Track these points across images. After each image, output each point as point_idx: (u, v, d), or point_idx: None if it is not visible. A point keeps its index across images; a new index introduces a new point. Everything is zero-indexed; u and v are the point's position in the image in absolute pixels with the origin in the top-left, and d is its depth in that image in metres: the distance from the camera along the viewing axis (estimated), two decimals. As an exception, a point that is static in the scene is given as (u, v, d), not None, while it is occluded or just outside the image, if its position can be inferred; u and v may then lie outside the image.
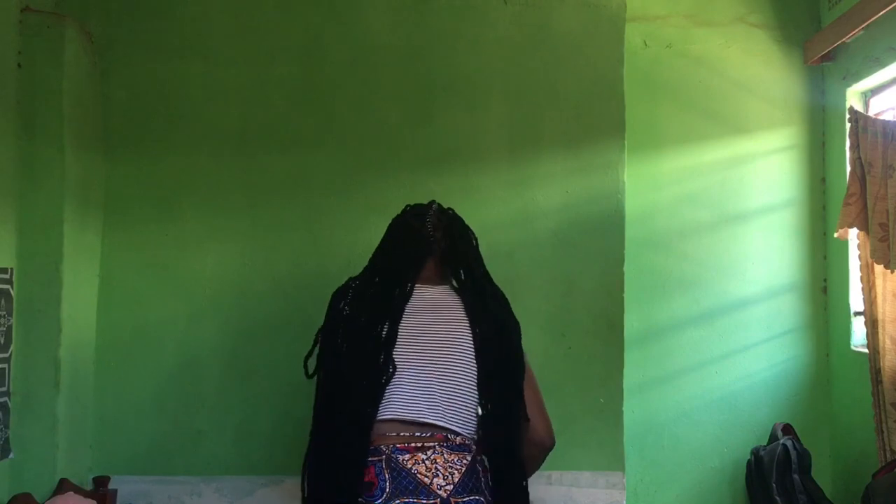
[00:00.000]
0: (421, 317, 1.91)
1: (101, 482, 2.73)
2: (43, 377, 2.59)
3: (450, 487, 1.72)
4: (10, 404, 2.53)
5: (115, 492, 2.75)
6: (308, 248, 2.91)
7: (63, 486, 2.54)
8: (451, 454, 1.77)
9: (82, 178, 2.75)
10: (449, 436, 1.80)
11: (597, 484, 2.84)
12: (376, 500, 1.70)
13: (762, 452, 3.16)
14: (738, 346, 3.36)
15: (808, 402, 3.35)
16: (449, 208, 2.13)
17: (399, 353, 1.84)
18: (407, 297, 1.92)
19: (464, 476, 1.75)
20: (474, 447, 1.85)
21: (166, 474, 2.84)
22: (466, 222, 2.12)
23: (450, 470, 1.74)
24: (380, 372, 1.80)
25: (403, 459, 1.74)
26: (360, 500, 1.71)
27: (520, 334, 1.98)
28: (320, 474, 1.78)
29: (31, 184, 2.60)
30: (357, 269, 2.87)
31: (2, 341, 2.49)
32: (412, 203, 2.16)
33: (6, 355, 2.51)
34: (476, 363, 1.87)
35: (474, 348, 1.88)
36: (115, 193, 2.89)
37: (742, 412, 3.34)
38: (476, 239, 2.10)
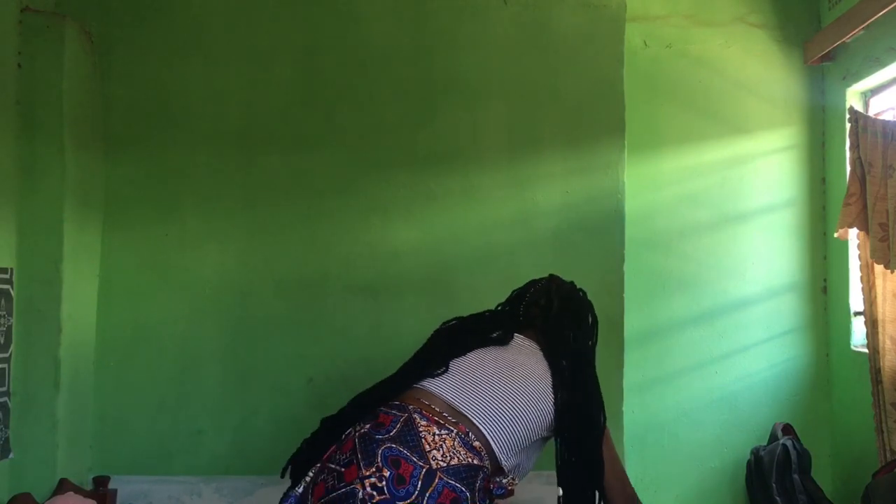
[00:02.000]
0: (508, 350, 2.02)
1: (101, 482, 2.73)
2: (43, 377, 2.59)
3: (443, 463, 1.76)
4: (10, 404, 2.53)
5: (115, 492, 2.75)
6: (308, 248, 2.92)
7: (63, 486, 2.54)
8: (461, 447, 1.80)
9: (82, 178, 2.75)
10: (470, 433, 1.83)
11: (597, 484, 2.83)
12: (378, 435, 1.76)
13: (762, 452, 3.16)
14: (738, 346, 3.36)
15: (808, 402, 3.35)
16: (580, 289, 2.23)
17: (471, 357, 1.98)
18: (503, 338, 2.04)
19: (462, 465, 1.78)
20: (488, 465, 1.87)
21: (166, 474, 2.84)
22: (584, 307, 2.20)
23: (452, 453, 1.79)
24: (433, 365, 1.94)
25: (420, 423, 1.80)
26: (368, 431, 1.78)
27: (601, 433, 2.03)
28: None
29: (31, 184, 2.60)
30: (357, 269, 2.91)
31: (2, 341, 2.49)
32: None
33: (6, 355, 2.51)
34: (552, 418, 1.96)
35: (554, 410, 1.95)
36: (115, 193, 2.90)
37: (742, 412, 3.34)
38: (590, 324, 2.17)
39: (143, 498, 2.82)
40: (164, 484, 2.83)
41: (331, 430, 1.90)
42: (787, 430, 3.20)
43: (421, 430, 1.79)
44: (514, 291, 2.25)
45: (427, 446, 1.76)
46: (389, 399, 1.89)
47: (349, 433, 1.82)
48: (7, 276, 2.52)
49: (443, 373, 1.92)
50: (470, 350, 1.99)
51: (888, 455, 2.76)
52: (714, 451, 3.33)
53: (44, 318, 2.60)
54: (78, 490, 2.58)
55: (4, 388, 2.50)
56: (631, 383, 3.02)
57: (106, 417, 2.85)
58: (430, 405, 1.85)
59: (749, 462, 3.24)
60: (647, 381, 3.30)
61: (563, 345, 2.07)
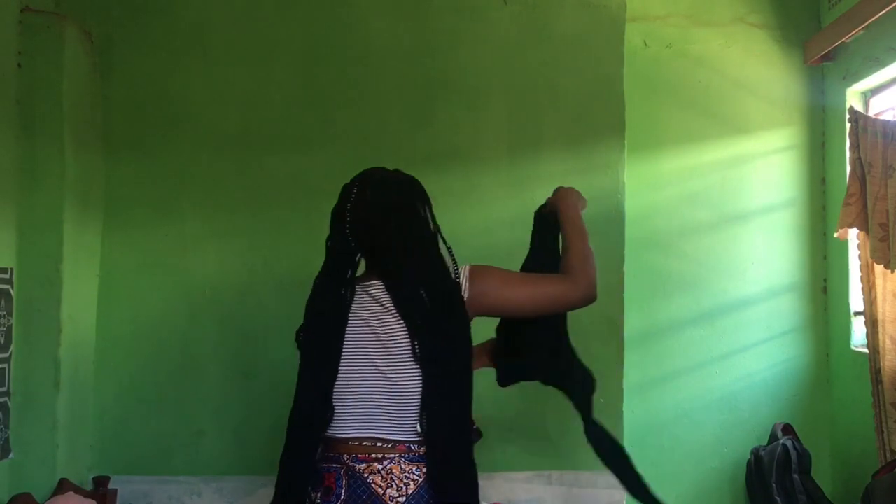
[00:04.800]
0: (359, 325, 1.81)
1: (101, 482, 2.73)
2: (43, 377, 2.59)
3: (402, 499, 1.69)
4: (10, 404, 2.53)
5: (115, 492, 2.75)
6: (308, 248, 2.88)
7: (63, 486, 2.54)
8: (408, 464, 1.72)
9: (82, 178, 2.75)
10: (411, 447, 1.74)
11: (597, 484, 2.84)
12: None
13: (762, 452, 3.16)
14: (738, 346, 3.36)
15: (808, 402, 3.35)
16: (396, 171, 1.95)
17: (345, 373, 1.80)
18: (344, 308, 1.82)
19: (420, 487, 1.71)
20: None
21: (166, 474, 2.84)
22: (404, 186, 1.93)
23: (405, 481, 1.71)
24: (319, 415, 1.79)
25: (360, 469, 1.72)
26: (320, 502, 1.72)
27: (463, 315, 1.77)
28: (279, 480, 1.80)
29: (31, 184, 2.60)
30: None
31: (2, 341, 2.49)
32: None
33: (6, 355, 2.51)
34: (416, 366, 1.74)
35: (413, 354, 1.74)
36: (115, 193, 2.90)
37: (742, 412, 3.34)
38: (423, 217, 1.88)
39: (143, 498, 2.82)
40: (164, 484, 2.83)
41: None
42: (787, 430, 3.20)
43: (366, 474, 1.70)
44: (332, 210, 1.90)
45: (379, 489, 1.69)
46: (304, 466, 1.76)
47: None
48: (7, 276, 2.52)
49: (331, 417, 1.77)
50: (335, 363, 1.81)
51: (888, 455, 2.76)
52: (714, 451, 3.33)
53: (44, 318, 2.60)
54: (78, 490, 2.58)
55: (4, 388, 2.50)
56: (631, 383, 3.02)
57: (106, 417, 2.85)
58: (360, 443, 1.74)
59: (749, 462, 3.24)
60: (647, 381, 3.30)
61: (399, 265, 1.80)
